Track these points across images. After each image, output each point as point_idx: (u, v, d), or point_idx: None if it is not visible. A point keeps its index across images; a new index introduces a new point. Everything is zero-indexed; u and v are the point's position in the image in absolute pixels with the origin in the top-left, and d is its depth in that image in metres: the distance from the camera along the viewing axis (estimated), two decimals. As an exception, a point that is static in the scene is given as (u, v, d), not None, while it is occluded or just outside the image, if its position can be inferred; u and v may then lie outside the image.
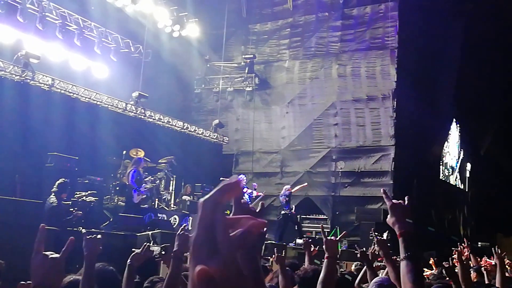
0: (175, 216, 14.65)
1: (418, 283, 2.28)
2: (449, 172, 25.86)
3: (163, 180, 15.57)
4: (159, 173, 15.43)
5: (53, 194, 10.03)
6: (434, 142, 22.80)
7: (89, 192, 11.48)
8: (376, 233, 15.94)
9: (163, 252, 4.84)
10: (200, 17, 19.92)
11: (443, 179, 24.99)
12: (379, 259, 6.12)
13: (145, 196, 13.61)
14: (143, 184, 13.76)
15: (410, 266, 2.31)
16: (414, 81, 19.88)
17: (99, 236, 3.68)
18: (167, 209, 15.01)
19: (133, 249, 4.40)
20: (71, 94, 14.94)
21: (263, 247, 13.15)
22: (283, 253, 5.17)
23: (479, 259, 8.46)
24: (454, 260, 5.48)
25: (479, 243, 21.56)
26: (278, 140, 21.45)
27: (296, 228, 16.58)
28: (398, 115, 19.15)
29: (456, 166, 27.03)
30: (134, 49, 19.30)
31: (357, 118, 19.96)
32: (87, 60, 17.38)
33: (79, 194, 11.24)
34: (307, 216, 19.77)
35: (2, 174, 11.61)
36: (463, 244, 6.56)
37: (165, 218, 13.91)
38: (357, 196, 19.50)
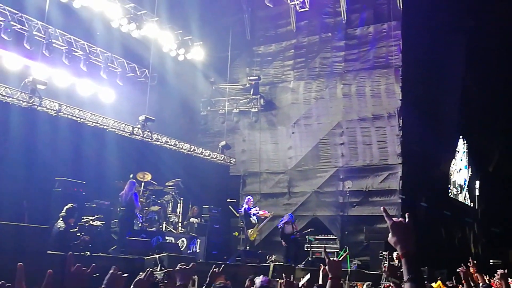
0: (183, 239, 14.61)
1: None
2: (457, 190, 25.70)
3: (170, 203, 15.56)
4: (166, 196, 15.45)
5: (61, 219, 10.07)
6: (441, 159, 22.72)
7: (96, 216, 11.49)
8: (386, 253, 15.84)
9: (165, 278, 4.82)
10: (205, 41, 20.09)
11: (452, 196, 24.82)
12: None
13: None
14: (145, 208, 13.88)
15: None
16: (419, 98, 19.89)
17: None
18: (175, 231, 14.98)
19: (140, 273, 4.37)
20: (78, 119, 15.05)
21: (272, 268, 13.08)
22: (291, 277, 5.13)
23: (487, 277, 8.38)
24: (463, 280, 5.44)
25: (491, 261, 21.33)
26: (285, 161, 21.43)
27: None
28: (405, 133, 19.10)
29: (465, 183, 26.87)
30: (140, 73, 19.47)
31: (363, 137, 19.92)
32: (93, 84, 17.53)
33: (86, 218, 11.25)
34: (316, 237, 19.63)
35: (10, 200, 11.66)
36: (469, 263, 6.49)
37: (173, 241, 13.87)
38: (365, 215, 19.36)
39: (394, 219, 2.40)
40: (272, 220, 17.71)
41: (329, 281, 3.51)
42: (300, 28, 21.34)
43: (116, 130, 16.07)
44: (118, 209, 13.92)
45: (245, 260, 14.08)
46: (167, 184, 15.64)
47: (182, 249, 13.74)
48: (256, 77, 21.39)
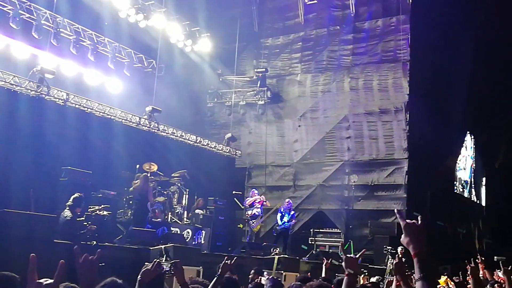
0: (188, 230, 14.65)
1: None
2: (463, 186, 25.64)
3: (176, 194, 15.59)
4: (172, 187, 15.47)
5: (67, 208, 10.10)
6: (447, 155, 22.65)
7: (102, 206, 11.53)
8: (390, 247, 15.87)
9: (172, 269, 4.84)
10: (212, 32, 20.06)
11: (458, 192, 24.77)
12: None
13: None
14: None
15: (425, 286, 2.34)
16: (427, 93, 19.81)
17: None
18: (180, 223, 15.01)
19: (145, 263, 4.39)
20: (85, 109, 15.08)
21: (276, 261, 13.11)
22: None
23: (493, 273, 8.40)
24: (468, 276, 5.44)
25: (495, 257, 21.29)
26: (291, 154, 21.43)
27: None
28: (411, 128, 19.06)
29: (471, 179, 26.80)
30: (147, 64, 19.48)
31: (370, 131, 19.89)
32: (101, 75, 17.57)
33: (93, 208, 11.29)
34: (320, 230, 19.69)
35: (17, 188, 11.69)
36: (477, 260, 6.49)
37: (178, 232, 13.91)
38: (370, 210, 19.39)
39: (407, 221, 2.48)
40: (275, 213, 17.72)
41: (345, 277, 3.56)
42: (308, 20, 21.28)
43: (123, 121, 16.10)
44: (124, 199, 13.96)
45: (250, 252, 14.12)
46: (173, 175, 15.66)
47: (187, 240, 13.78)
48: (263, 69, 21.36)
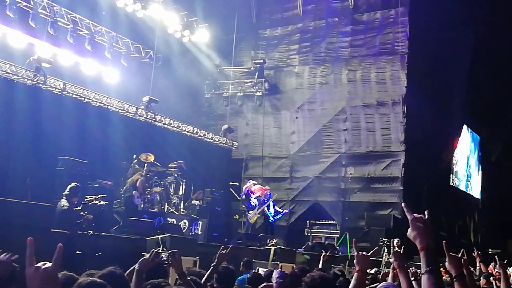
0: (185, 221, 14.68)
1: None
2: (459, 179, 25.70)
3: (172, 185, 15.59)
4: (168, 177, 15.47)
5: (64, 197, 10.09)
6: (444, 148, 22.67)
7: (99, 195, 11.52)
8: (386, 239, 15.92)
9: (170, 259, 4.85)
10: (210, 22, 19.98)
11: (454, 185, 24.83)
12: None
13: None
14: (148, 189, 13.97)
15: (432, 280, 2.36)
16: (425, 86, 19.80)
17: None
18: (177, 213, 15.03)
19: (142, 253, 4.40)
20: (82, 99, 15.04)
21: (273, 252, 13.15)
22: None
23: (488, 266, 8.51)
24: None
25: (490, 250, 21.39)
26: (288, 145, 21.43)
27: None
28: (408, 120, 19.07)
29: (467, 172, 26.87)
30: (145, 54, 19.41)
31: (367, 123, 19.89)
32: (98, 65, 17.49)
33: (90, 197, 11.28)
34: (316, 222, 19.75)
35: (14, 177, 11.69)
36: (473, 253, 6.54)
37: (175, 223, 13.93)
38: (366, 202, 19.43)
39: (415, 215, 2.49)
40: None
41: (356, 273, 3.60)
42: (306, 12, 21.21)
43: (120, 111, 16.06)
44: (121, 189, 13.96)
45: (246, 243, 14.15)
46: (170, 165, 15.66)
47: (184, 231, 13.80)
48: (261, 61, 21.31)
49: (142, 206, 13.75)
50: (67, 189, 10.25)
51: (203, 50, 20.90)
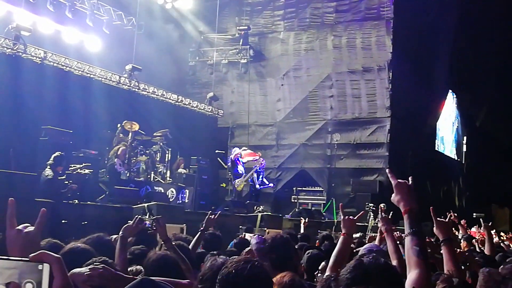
0: (172, 189, 14.65)
1: (423, 257, 2.37)
2: (444, 144, 25.91)
3: (158, 153, 15.49)
4: (154, 146, 15.35)
5: (48, 167, 9.99)
6: (429, 113, 22.77)
7: (84, 164, 11.41)
8: (372, 205, 16.04)
9: (154, 225, 4.83)
10: (193, -12, 19.61)
11: (439, 150, 25.04)
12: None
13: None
14: (133, 158, 13.88)
15: (415, 241, 2.41)
16: (410, 52, 19.76)
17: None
18: (163, 182, 14.98)
19: (128, 221, 4.38)
20: (64, 67, 14.76)
21: (260, 218, 13.23)
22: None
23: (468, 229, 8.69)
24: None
25: (474, 214, 21.72)
26: (274, 113, 21.37)
27: None
28: (394, 86, 19.07)
29: (453, 137, 27.08)
30: (127, 22, 19.03)
31: (353, 89, 19.87)
32: (79, 33, 17.12)
33: (74, 166, 11.17)
34: (303, 188, 19.86)
35: (-4, 148, 11.53)
36: (449, 213, 6.60)
37: (162, 191, 13.90)
38: (352, 168, 19.56)
39: (399, 180, 2.56)
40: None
41: (342, 237, 3.61)
42: (291, -24, 20.88)
43: (103, 79, 15.82)
44: (106, 158, 13.85)
45: (233, 210, 14.20)
46: (155, 134, 15.53)
47: (171, 200, 13.79)
48: (246, 27, 21.02)
49: (127, 174, 13.66)
50: (51, 159, 10.13)
51: (186, 17, 20.58)
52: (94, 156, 13.14)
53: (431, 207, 3.64)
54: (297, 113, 20.81)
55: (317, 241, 7.47)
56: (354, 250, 5.49)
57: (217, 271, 2.30)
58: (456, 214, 7.46)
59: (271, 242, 3.96)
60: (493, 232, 8.65)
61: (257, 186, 16.71)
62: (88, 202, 10.19)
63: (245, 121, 21.65)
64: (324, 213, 17.80)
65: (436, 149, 24.54)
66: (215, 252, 4.92)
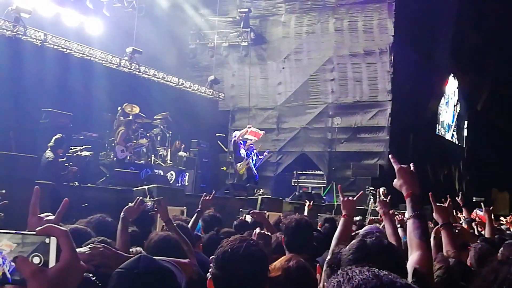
0: (172, 172, 14.68)
1: (424, 239, 2.44)
2: (445, 128, 25.88)
3: (158, 136, 15.50)
4: (154, 129, 15.36)
5: (49, 149, 9.99)
6: (431, 97, 22.70)
7: (84, 146, 11.42)
8: (372, 188, 16.06)
9: (155, 206, 4.84)
10: (194, -30, 19.44)
11: (440, 134, 25.01)
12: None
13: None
14: (134, 141, 13.85)
15: (417, 223, 2.47)
16: (412, 35, 19.62)
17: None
18: (164, 165, 15.00)
19: (128, 203, 4.38)
20: (64, 50, 14.72)
21: (260, 201, 13.26)
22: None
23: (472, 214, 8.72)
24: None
25: (474, 198, 21.74)
26: (275, 96, 21.31)
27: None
28: (395, 69, 18.98)
29: (453, 121, 27.03)
30: (127, 4, 18.86)
31: (354, 73, 19.79)
32: (79, 15, 16.99)
33: (74, 148, 11.17)
34: (303, 172, 19.86)
35: (-3, 131, 11.53)
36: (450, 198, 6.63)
37: (162, 174, 13.92)
38: (353, 152, 19.56)
39: (402, 165, 2.62)
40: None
41: (342, 218, 3.61)
42: (292, -42, 20.68)
43: (103, 62, 15.78)
44: (106, 141, 13.85)
45: (234, 193, 14.22)
46: (155, 117, 15.52)
47: (171, 182, 13.81)
48: (247, 10, 20.85)
49: (128, 158, 13.66)
50: (52, 141, 10.14)
51: (187, -1, 20.42)
52: (94, 139, 13.17)
53: (430, 193, 3.67)
54: (298, 96, 20.76)
55: (319, 223, 7.52)
56: (354, 233, 5.51)
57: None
58: (462, 197, 7.52)
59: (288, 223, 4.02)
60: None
61: (255, 172, 16.68)
62: (89, 185, 10.21)
63: (245, 104, 21.60)
64: (324, 197, 17.84)
65: (436, 133, 24.50)
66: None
